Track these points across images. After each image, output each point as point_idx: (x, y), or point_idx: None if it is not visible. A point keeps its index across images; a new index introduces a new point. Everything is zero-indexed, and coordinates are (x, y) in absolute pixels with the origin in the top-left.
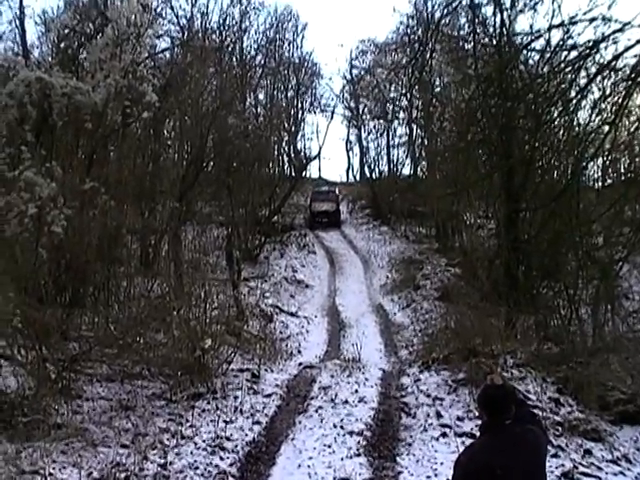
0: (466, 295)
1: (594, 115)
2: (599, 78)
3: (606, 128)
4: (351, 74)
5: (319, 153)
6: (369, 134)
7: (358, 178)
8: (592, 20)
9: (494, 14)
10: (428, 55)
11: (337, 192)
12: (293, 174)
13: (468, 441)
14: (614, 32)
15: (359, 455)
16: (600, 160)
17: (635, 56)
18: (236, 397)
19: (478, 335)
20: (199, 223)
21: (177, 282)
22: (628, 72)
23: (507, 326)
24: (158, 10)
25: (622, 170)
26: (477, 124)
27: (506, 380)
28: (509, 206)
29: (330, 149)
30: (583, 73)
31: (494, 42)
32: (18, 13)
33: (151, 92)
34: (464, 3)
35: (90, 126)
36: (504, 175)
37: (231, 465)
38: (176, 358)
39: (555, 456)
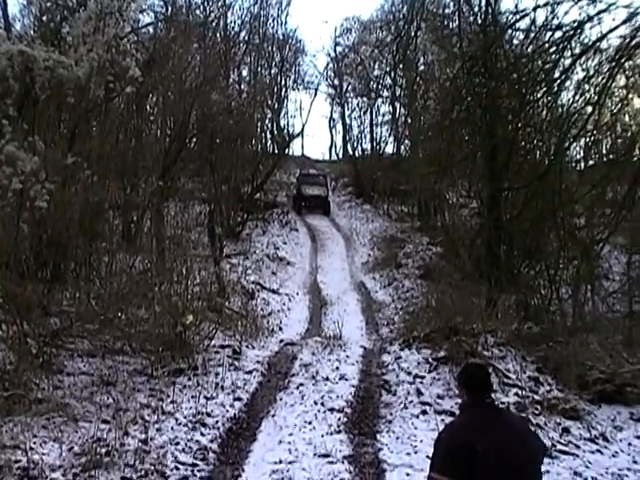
0: (448, 274)
1: (578, 96)
2: (583, 59)
3: (589, 109)
4: (335, 51)
5: (302, 130)
6: (352, 112)
7: (341, 156)
8: (578, 0)
9: None
10: (413, 33)
11: (326, 177)
12: (276, 151)
13: (448, 419)
14: (599, 12)
15: (339, 432)
16: (583, 141)
17: (620, 37)
18: (217, 373)
19: (459, 314)
20: (181, 199)
21: (159, 258)
22: (612, 53)
23: (488, 305)
24: None
25: (604, 151)
26: (461, 103)
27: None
28: (492, 185)
29: (313, 127)
30: (567, 53)
31: (479, 21)
32: None
33: (134, 67)
34: None
35: (73, 100)
36: (487, 154)
37: (212, 441)
38: (157, 334)
39: None
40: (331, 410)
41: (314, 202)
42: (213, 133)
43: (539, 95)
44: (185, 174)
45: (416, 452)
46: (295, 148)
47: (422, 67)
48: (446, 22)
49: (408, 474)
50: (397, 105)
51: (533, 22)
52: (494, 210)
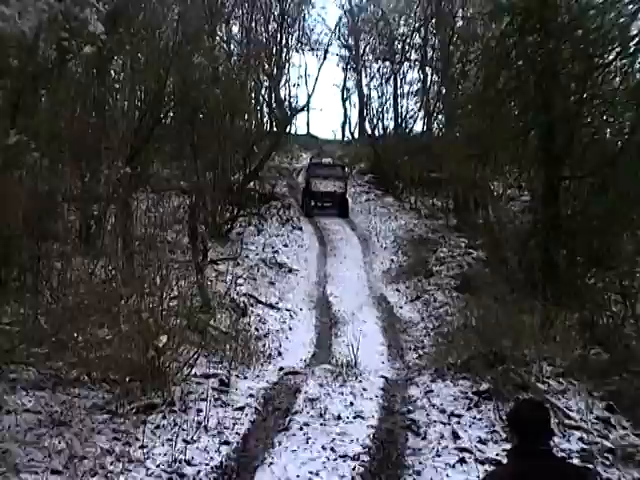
0: (491, 285)
1: None
2: None
3: None
4: (350, 3)
5: (308, 103)
6: (372, 80)
7: (357, 136)
8: None
9: None
10: None
11: (344, 169)
12: (275, 129)
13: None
14: None
15: None
16: None
17: None
18: (199, 410)
19: (506, 336)
20: (155, 190)
21: (126, 264)
22: None
23: (544, 325)
24: None
25: None
26: (510, 68)
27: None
28: (548, 173)
29: (322, 99)
30: None
31: None
32: None
33: (95, 21)
34: None
35: (16, 63)
36: (543, 133)
37: None
38: (124, 360)
39: None
40: (344, 457)
41: (328, 201)
42: (195, 106)
43: (611, 58)
44: (160, 158)
45: None
46: (299, 125)
47: (460, 22)
48: None
49: None
50: (428, 71)
51: None
52: (551, 204)
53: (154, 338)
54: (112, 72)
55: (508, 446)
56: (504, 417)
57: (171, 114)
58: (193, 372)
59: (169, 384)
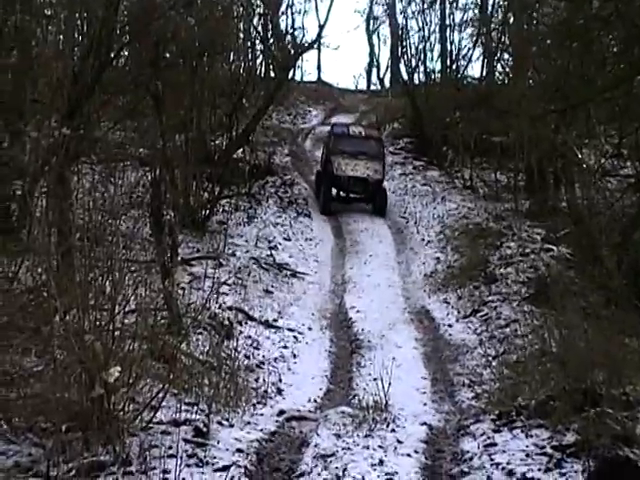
0: (580, 295)
1: None
2: None
3: None
4: None
5: (319, 38)
6: (409, 4)
7: (388, 84)
8: None
9: None
10: None
11: (381, 141)
12: (272, 74)
13: None
14: None
15: None
16: None
17: None
18: (166, 471)
19: (601, 366)
20: (103, 160)
21: (63, 265)
22: None
23: None
24: None
25: None
26: None
27: None
28: None
29: (339, 31)
30: None
31: None
32: None
33: None
34: None
35: None
36: None
37: None
38: (59, 400)
39: None
40: None
41: (357, 191)
42: (159, 42)
43: None
44: (109, 115)
45: None
46: (307, 69)
47: None
48: None
49: None
50: None
51: None
52: None
53: (102, 370)
54: None
55: None
56: None
57: (125, 52)
58: (157, 417)
59: (123, 435)
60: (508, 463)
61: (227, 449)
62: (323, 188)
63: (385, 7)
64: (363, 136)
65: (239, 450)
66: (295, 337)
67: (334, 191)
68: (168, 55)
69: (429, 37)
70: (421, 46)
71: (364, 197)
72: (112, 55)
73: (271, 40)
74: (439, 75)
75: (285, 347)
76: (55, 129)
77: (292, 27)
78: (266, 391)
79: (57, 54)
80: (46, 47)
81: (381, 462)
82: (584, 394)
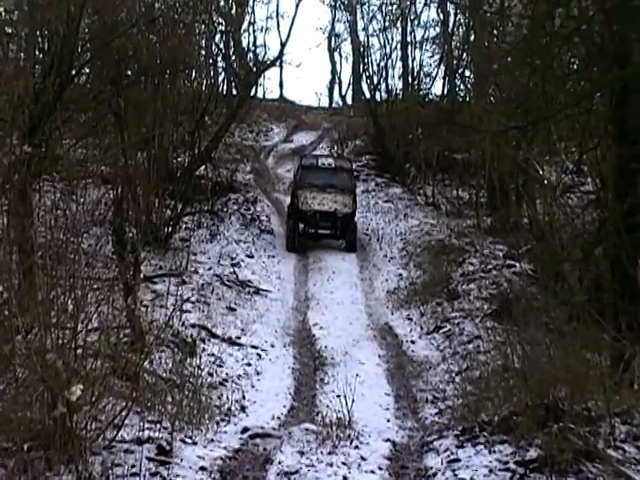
0: (542, 311)
1: None
2: None
3: None
4: None
5: (281, 55)
6: (371, 22)
7: (350, 101)
8: None
9: None
10: None
11: (352, 172)
12: (235, 92)
13: None
14: None
15: None
16: None
17: None
18: None
19: (564, 382)
20: (65, 178)
21: (24, 283)
22: None
23: (616, 366)
24: None
25: None
26: (569, 3)
27: None
28: (622, 152)
29: (300, 49)
30: None
31: None
32: None
33: None
34: None
35: None
36: (614, 96)
37: None
38: (20, 420)
39: None
40: None
41: (325, 225)
42: (121, 59)
43: None
44: (71, 133)
45: None
46: (269, 87)
47: None
48: None
49: None
50: (451, 9)
51: None
52: (626, 196)
53: (64, 389)
54: (2, 11)
55: None
56: None
57: (87, 70)
58: (120, 436)
59: (86, 454)
60: (472, 479)
61: (190, 467)
62: (289, 224)
63: (347, 25)
64: (332, 167)
65: (202, 468)
66: (258, 354)
67: (302, 227)
68: (130, 72)
69: (391, 54)
70: (383, 63)
71: (333, 233)
72: (73, 72)
73: (233, 57)
74: (401, 93)
75: (248, 364)
76: (16, 147)
77: (254, 44)
78: (229, 409)
79: (18, 72)
80: (7, 65)
81: (345, 479)
82: (547, 409)
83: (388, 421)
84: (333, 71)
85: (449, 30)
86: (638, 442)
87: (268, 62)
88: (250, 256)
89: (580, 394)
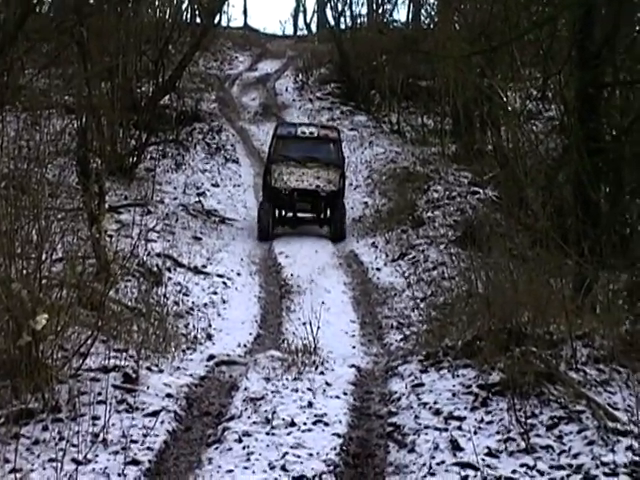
0: (505, 237)
1: None
2: None
3: None
4: None
5: None
6: None
7: (315, 29)
8: None
9: None
10: None
11: (338, 142)
12: (198, 20)
13: None
14: None
15: None
16: None
17: None
18: (95, 417)
19: (526, 306)
20: (28, 108)
21: None
22: None
23: (578, 291)
24: None
25: None
26: None
27: None
28: (585, 77)
29: None
30: None
31: None
32: None
33: None
34: None
35: None
36: (578, 21)
37: None
38: None
39: None
40: (300, 479)
41: (304, 206)
42: None
43: None
44: (34, 62)
45: None
46: (233, 14)
47: None
48: None
49: None
50: None
51: None
52: (589, 121)
53: (29, 318)
54: None
55: (527, 459)
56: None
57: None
58: (86, 364)
59: (52, 382)
60: (435, 402)
61: (156, 394)
62: (261, 207)
63: None
64: (315, 137)
65: (169, 395)
66: (224, 283)
67: (277, 212)
68: (92, 1)
69: None
70: None
71: (315, 217)
72: (35, 1)
73: None
74: (365, 20)
75: (214, 293)
76: None
77: None
78: (196, 337)
79: None
80: None
81: (310, 404)
82: (509, 334)
83: (353, 347)
84: None
85: None
86: (599, 364)
87: None
88: (216, 185)
89: (543, 318)
